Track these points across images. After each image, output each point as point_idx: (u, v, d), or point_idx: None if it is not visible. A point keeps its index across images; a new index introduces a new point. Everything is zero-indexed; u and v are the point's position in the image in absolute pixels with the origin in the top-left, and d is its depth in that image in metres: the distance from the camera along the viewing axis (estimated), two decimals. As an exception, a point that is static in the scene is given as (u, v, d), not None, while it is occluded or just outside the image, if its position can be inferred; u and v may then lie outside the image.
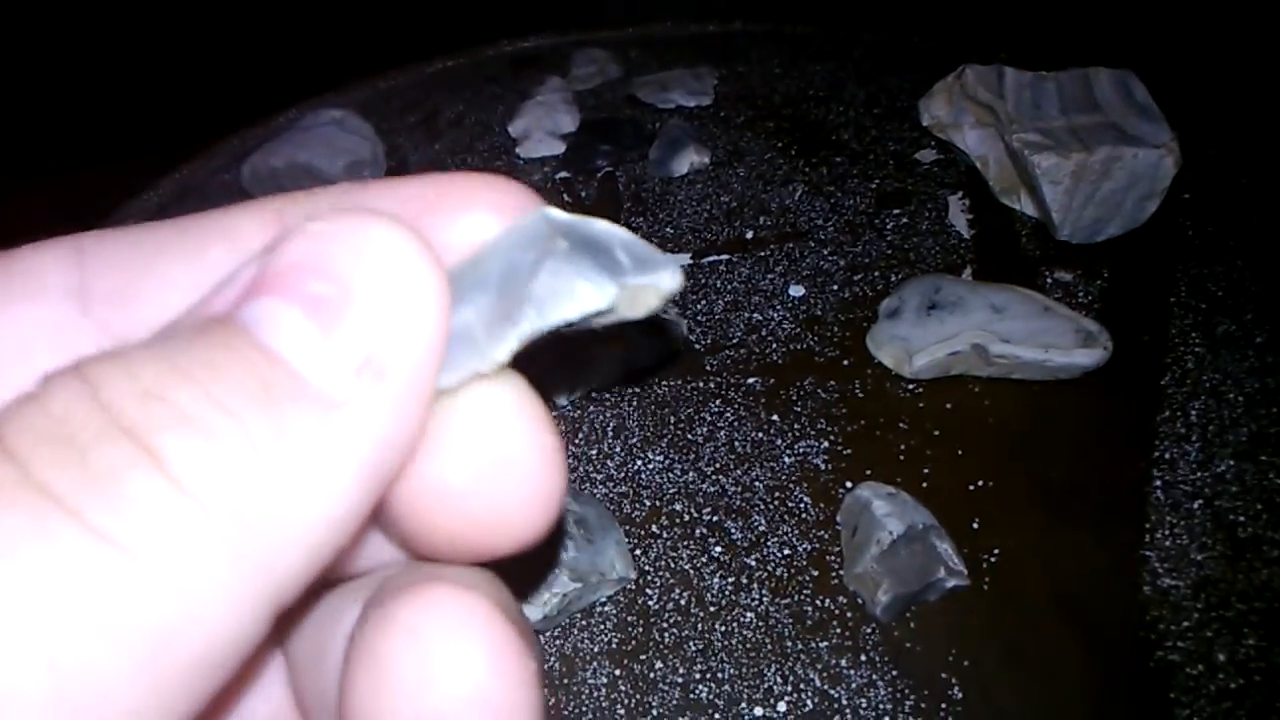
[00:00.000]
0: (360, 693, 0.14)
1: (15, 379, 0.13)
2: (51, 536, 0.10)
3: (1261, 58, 0.64)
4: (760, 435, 0.46)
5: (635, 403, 0.48)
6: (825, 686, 0.38)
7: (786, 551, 0.42)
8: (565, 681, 0.38)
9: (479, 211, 0.15)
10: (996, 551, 0.41)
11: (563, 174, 0.62)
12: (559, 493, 0.15)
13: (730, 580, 0.41)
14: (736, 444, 0.46)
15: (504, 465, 0.15)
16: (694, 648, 0.39)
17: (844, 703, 0.37)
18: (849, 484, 0.43)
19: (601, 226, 0.15)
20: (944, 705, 0.37)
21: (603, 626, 0.40)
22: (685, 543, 0.42)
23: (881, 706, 0.37)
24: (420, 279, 0.13)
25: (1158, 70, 0.57)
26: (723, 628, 0.39)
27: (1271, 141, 0.60)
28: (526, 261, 0.15)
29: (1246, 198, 0.57)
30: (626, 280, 0.15)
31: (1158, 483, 0.43)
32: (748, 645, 0.39)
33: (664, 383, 0.48)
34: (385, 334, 0.13)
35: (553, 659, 0.39)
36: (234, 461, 0.11)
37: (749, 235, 0.57)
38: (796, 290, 0.53)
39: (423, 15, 0.86)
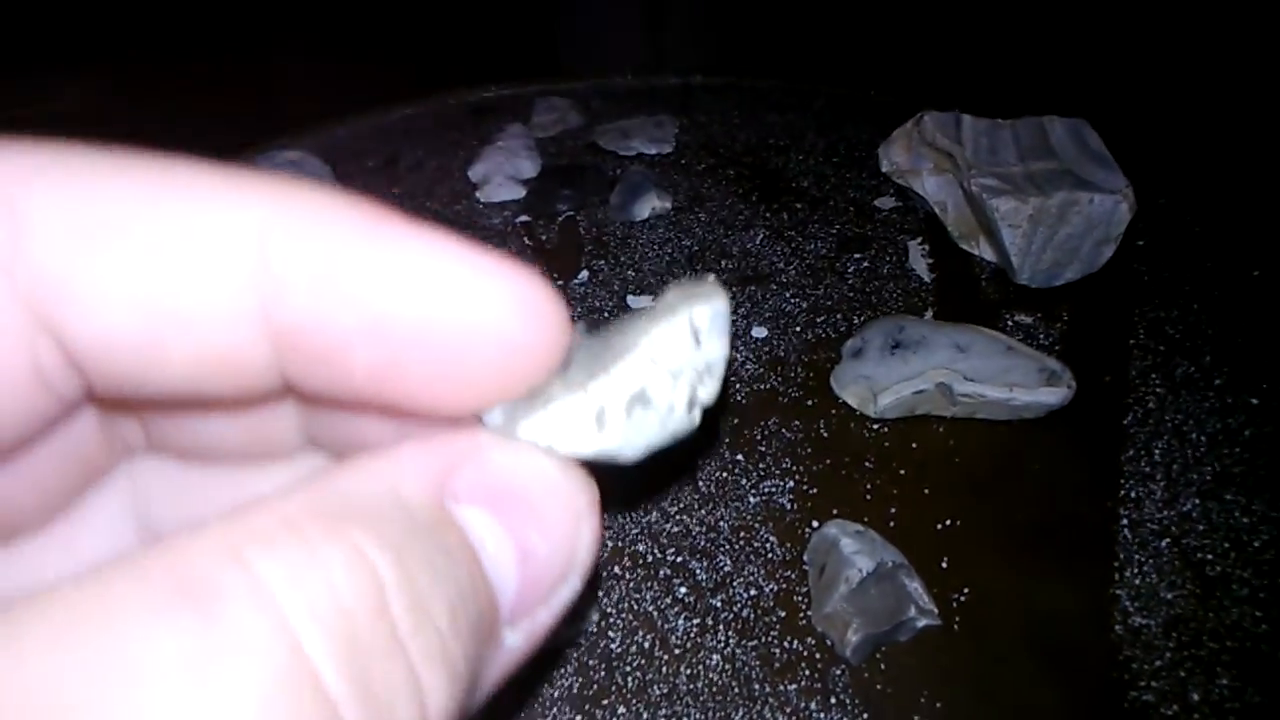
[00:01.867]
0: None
1: None
2: None
3: (1209, 109, 0.66)
4: (725, 475, 0.45)
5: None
6: (795, 731, 0.36)
7: (753, 592, 0.40)
8: (523, 729, 0.36)
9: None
10: (966, 591, 0.40)
11: (523, 218, 0.62)
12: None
13: (695, 622, 0.39)
14: (701, 483, 0.45)
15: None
16: (658, 692, 0.37)
17: (814, 748, 0.36)
18: (815, 523, 0.42)
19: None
20: (917, 749, 0.36)
21: (563, 671, 0.38)
22: (649, 584, 0.41)
23: (853, 751, 0.36)
24: (587, 562, 0.15)
25: (1109, 120, 0.58)
26: (688, 671, 0.38)
27: (1221, 191, 0.61)
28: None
29: (1199, 245, 0.58)
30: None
31: (1124, 521, 0.43)
32: (714, 689, 0.37)
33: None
34: (553, 613, 0.15)
35: (510, 706, 0.37)
36: (459, 698, 0.13)
37: (711, 279, 0.56)
38: (759, 331, 0.52)
39: (382, 65, 0.86)
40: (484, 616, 0.13)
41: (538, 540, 0.14)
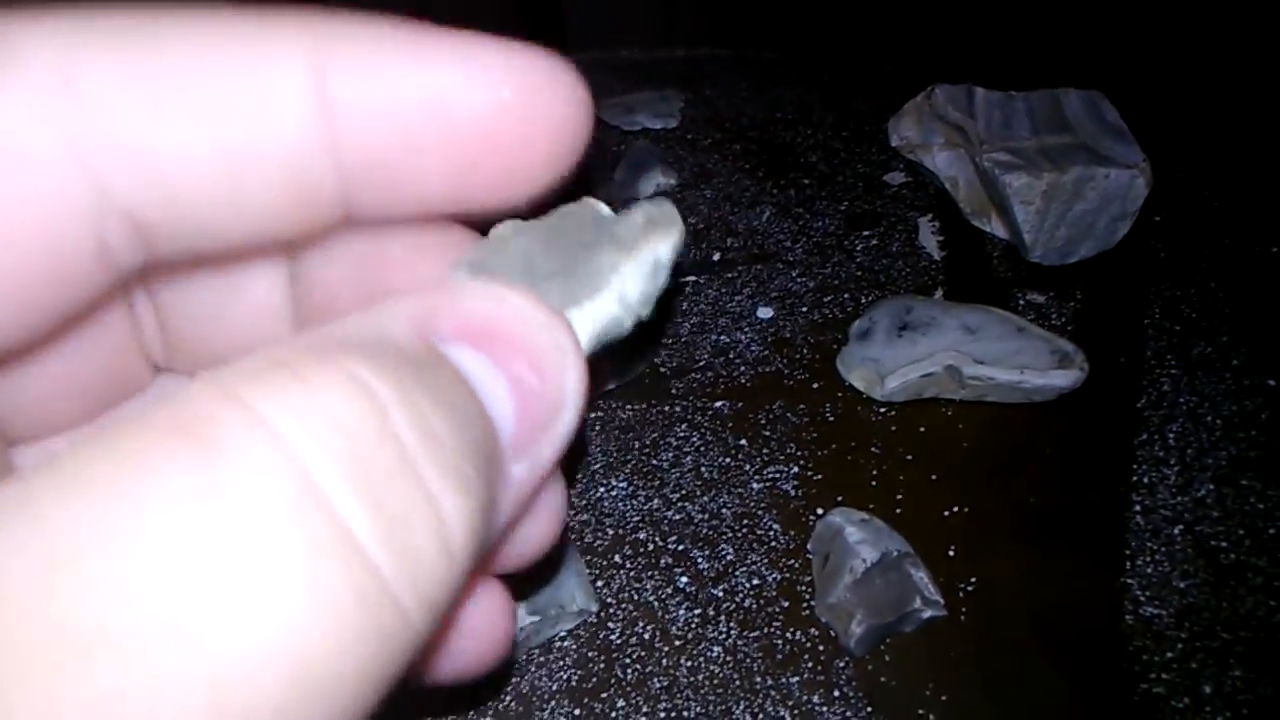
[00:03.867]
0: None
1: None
2: (351, 594, 0.11)
3: (1228, 81, 0.64)
4: (728, 460, 0.44)
5: (598, 427, 0.46)
6: (797, 724, 0.36)
7: (755, 582, 0.40)
8: (521, 722, 0.36)
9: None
10: (974, 580, 0.39)
11: (526, 195, 0.61)
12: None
13: (697, 612, 0.39)
14: (703, 470, 0.44)
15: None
16: (658, 684, 0.37)
17: (817, 741, 0.35)
18: (820, 510, 0.42)
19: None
20: (922, 743, 0.35)
21: (562, 663, 0.37)
22: (650, 573, 0.40)
23: (856, 745, 0.35)
24: (581, 398, 0.15)
25: (1126, 93, 0.56)
26: (689, 663, 0.37)
27: (1240, 165, 0.60)
28: (586, 241, 0.18)
29: (1218, 221, 0.57)
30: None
31: (1137, 507, 0.42)
32: (715, 681, 0.37)
33: (628, 406, 0.46)
34: (550, 434, 0.15)
35: (508, 699, 0.37)
36: (477, 524, 0.13)
37: (716, 257, 0.55)
38: (765, 312, 0.51)
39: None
40: (488, 445, 0.14)
41: (527, 372, 0.14)
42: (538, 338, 0.15)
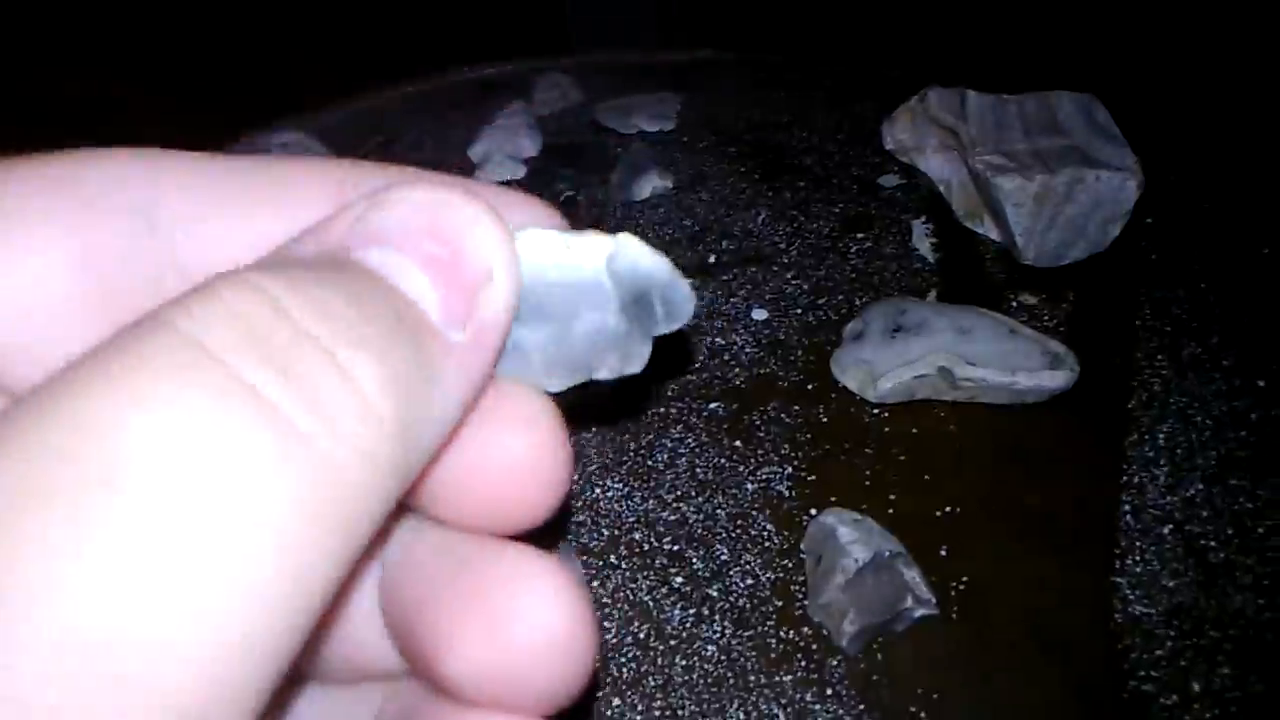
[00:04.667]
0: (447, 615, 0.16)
1: (82, 288, 0.15)
2: (269, 437, 0.12)
3: (1219, 84, 0.65)
4: (722, 461, 0.45)
5: (593, 429, 0.46)
6: (790, 722, 0.36)
7: (749, 581, 0.40)
8: (517, 720, 0.36)
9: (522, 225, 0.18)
10: (965, 579, 0.40)
11: (522, 198, 0.61)
12: (563, 486, 0.18)
13: (691, 612, 0.39)
14: (698, 470, 0.44)
15: (533, 455, 0.17)
16: (653, 683, 0.37)
17: (809, 739, 0.35)
18: (813, 511, 0.42)
19: (647, 270, 0.17)
20: (913, 740, 0.35)
21: (558, 661, 0.38)
22: (644, 573, 0.41)
23: (848, 742, 0.35)
24: (509, 259, 0.16)
25: (1118, 95, 0.57)
26: (683, 662, 0.38)
27: (1232, 167, 0.60)
28: (585, 321, 0.17)
29: (1208, 223, 0.57)
30: (657, 332, 0.18)
31: (1127, 507, 0.42)
32: (709, 680, 0.37)
33: (623, 408, 0.47)
34: (483, 297, 0.16)
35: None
36: (398, 380, 0.14)
37: (711, 259, 0.56)
38: (759, 314, 0.52)
39: (384, 43, 0.85)
40: (408, 317, 0.14)
41: (437, 248, 0.15)
42: (442, 217, 0.15)
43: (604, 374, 0.18)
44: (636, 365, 0.18)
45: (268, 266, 0.14)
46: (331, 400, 0.13)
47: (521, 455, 0.17)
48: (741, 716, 0.36)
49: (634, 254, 0.17)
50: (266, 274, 0.13)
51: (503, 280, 0.16)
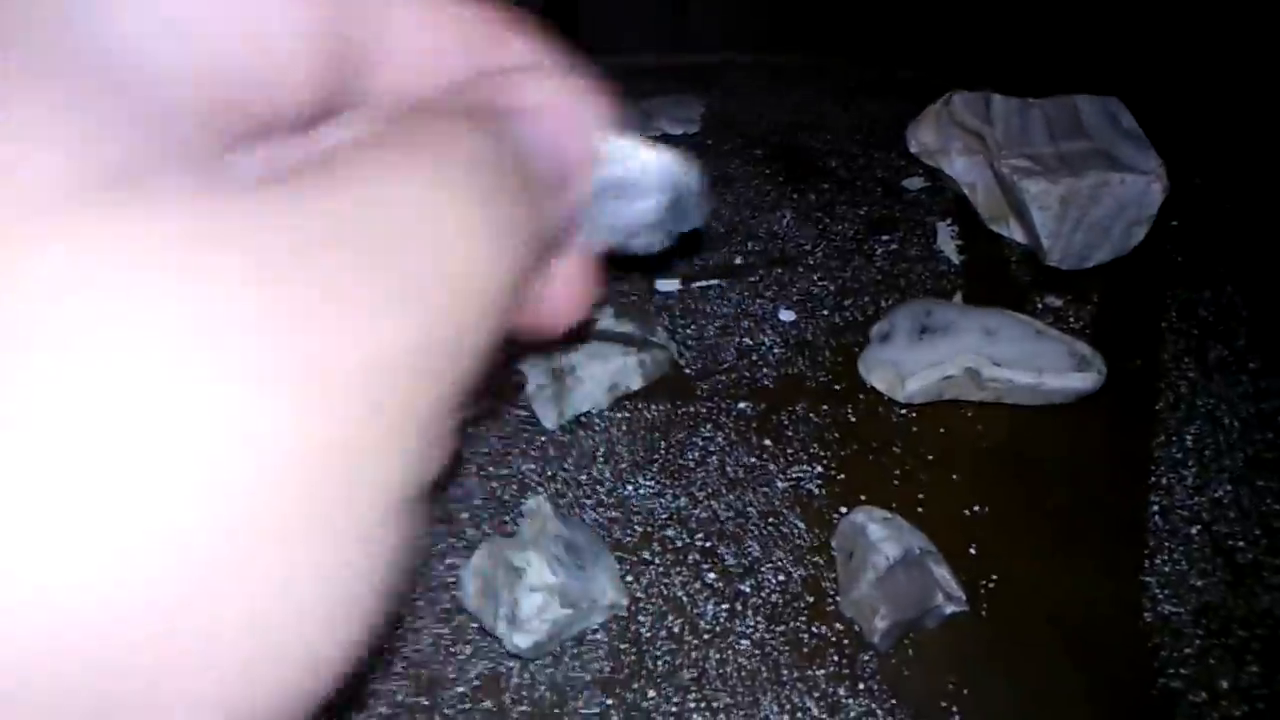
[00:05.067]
0: None
1: None
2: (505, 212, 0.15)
3: (1243, 87, 0.65)
4: (752, 460, 0.45)
5: (625, 427, 0.47)
6: (822, 716, 0.37)
7: (781, 578, 0.41)
8: (556, 711, 0.37)
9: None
10: (994, 578, 0.40)
11: (550, 199, 0.62)
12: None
13: (724, 607, 0.40)
14: (728, 468, 0.45)
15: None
16: (688, 676, 0.38)
17: (842, 733, 0.36)
18: (843, 509, 0.43)
19: (688, 183, 0.21)
20: (945, 735, 0.36)
21: (594, 654, 0.39)
22: (678, 569, 0.41)
23: (881, 736, 0.36)
24: (600, 151, 0.19)
25: (1142, 99, 0.57)
26: (717, 655, 0.38)
27: (1256, 169, 0.60)
28: (636, 207, 0.21)
29: (1233, 225, 0.57)
30: (681, 229, 0.22)
31: (1155, 508, 0.43)
32: (743, 673, 0.38)
33: (654, 407, 0.47)
34: (581, 176, 0.19)
35: (543, 688, 0.38)
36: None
37: (738, 260, 0.56)
38: (787, 315, 0.52)
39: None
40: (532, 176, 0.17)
41: (564, 132, 0.18)
42: (574, 111, 0.18)
43: (638, 246, 0.22)
44: (658, 247, 0.22)
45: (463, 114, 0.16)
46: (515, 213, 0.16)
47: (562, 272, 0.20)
48: (775, 709, 0.37)
49: (682, 169, 0.22)
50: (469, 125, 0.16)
51: (591, 166, 0.19)
